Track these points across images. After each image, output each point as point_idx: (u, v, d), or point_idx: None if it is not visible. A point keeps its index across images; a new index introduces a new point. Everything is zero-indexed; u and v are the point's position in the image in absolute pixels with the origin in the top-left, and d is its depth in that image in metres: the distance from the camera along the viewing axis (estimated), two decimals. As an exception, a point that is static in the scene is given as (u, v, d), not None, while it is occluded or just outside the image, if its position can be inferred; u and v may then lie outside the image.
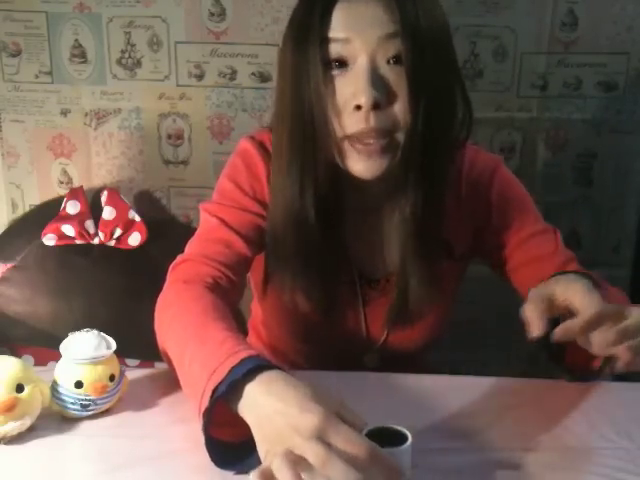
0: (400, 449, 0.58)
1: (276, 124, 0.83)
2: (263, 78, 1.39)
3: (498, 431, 0.72)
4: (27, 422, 0.68)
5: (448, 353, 1.07)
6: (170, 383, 0.80)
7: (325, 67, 0.74)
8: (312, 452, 0.52)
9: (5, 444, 0.67)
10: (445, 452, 0.68)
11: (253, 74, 1.40)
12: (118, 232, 1.34)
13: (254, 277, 0.97)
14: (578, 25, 1.36)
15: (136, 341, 1.26)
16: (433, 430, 0.72)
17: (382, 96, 0.73)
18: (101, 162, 1.47)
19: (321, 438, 0.53)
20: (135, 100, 1.42)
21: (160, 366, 0.84)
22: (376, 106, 0.72)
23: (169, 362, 0.77)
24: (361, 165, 0.77)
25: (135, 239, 1.35)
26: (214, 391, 0.60)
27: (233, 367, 0.60)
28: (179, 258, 0.86)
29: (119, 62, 1.40)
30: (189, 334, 0.71)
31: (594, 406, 0.77)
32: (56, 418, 0.72)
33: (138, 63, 1.40)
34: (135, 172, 1.47)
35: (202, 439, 0.62)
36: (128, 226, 1.35)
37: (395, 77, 0.74)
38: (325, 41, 0.74)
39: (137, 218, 1.36)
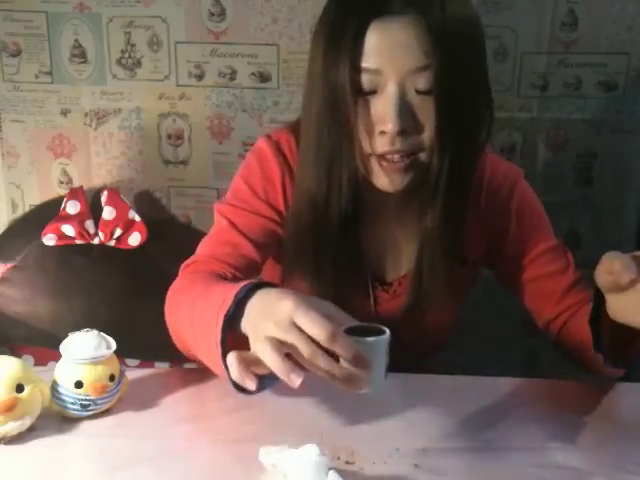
0: (368, 340, 0.58)
1: (304, 129, 0.83)
2: (263, 78, 1.39)
3: (498, 431, 0.72)
4: (27, 422, 0.68)
5: (448, 353, 1.07)
6: (170, 383, 0.80)
7: (354, 90, 0.75)
8: (287, 335, 0.57)
9: (5, 444, 0.67)
10: (445, 452, 0.68)
11: (253, 74, 1.39)
12: (118, 232, 1.34)
13: (266, 277, 0.96)
14: (578, 25, 1.36)
15: (136, 341, 1.26)
16: (433, 430, 0.72)
17: (408, 124, 0.74)
18: (101, 162, 1.47)
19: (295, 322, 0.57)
20: (135, 100, 1.42)
21: (160, 366, 0.84)
22: (402, 133, 0.74)
23: (184, 345, 0.78)
24: (386, 180, 0.79)
25: (135, 239, 1.35)
26: (225, 317, 0.64)
27: (237, 292, 0.65)
28: (190, 259, 0.87)
29: (119, 62, 1.40)
30: (196, 297, 0.73)
31: (594, 406, 0.77)
32: (56, 418, 0.72)
33: (138, 63, 1.40)
34: (135, 172, 1.47)
35: (203, 437, 0.62)
36: (128, 226, 1.35)
37: (423, 106, 0.74)
38: (357, 70, 0.74)
39: (137, 218, 1.36)
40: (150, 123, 1.44)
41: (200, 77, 1.40)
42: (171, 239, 1.41)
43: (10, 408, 0.66)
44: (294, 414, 0.75)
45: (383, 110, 0.74)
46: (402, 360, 0.92)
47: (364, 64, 0.74)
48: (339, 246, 0.84)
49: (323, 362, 0.57)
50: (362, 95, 0.75)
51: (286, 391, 0.81)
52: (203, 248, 0.89)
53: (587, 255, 1.51)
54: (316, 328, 0.56)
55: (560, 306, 0.91)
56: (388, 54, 0.73)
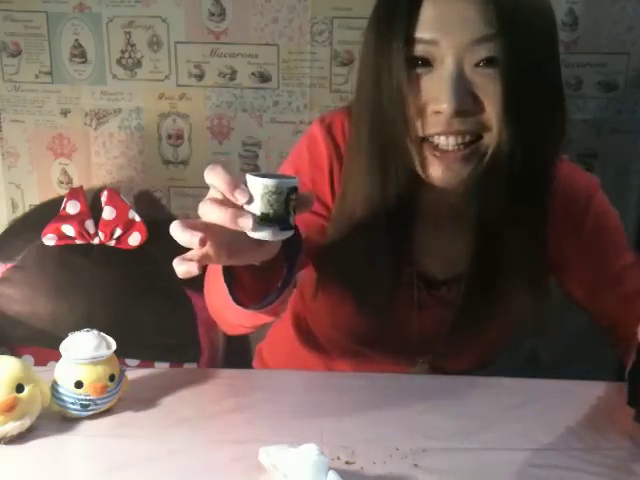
0: (254, 177, 0.56)
1: (355, 117, 0.78)
2: (263, 78, 1.39)
3: (498, 431, 0.72)
4: (27, 422, 0.68)
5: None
6: (170, 383, 0.80)
7: (408, 65, 0.69)
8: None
9: (5, 444, 0.67)
10: (445, 452, 0.68)
11: (253, 74, 1.39)
12: (118, 232, 1.34)
13: (302, 277, 0.94)
14: (578, 25, 1.36)
15: (136, 341, 1.26)
16: (433, 430, 0.72)
17: (467, 103, 0.67)
18: (101, 162, 1.47)
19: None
20: (135, 100, 1.42)
21: (160, 366, 0.84)
22: (459, 113, 0.67)
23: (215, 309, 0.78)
24: (440, 172, 0.71)
25: (135, 239, 1.35)
26: None
27: None
28: None
29: (119, 62, 1.40)
30: None
31: (594, 406, 0.77)
32: (56, 418, 0.71)
33: (138, 63, 1.40)
34: (135, 172, 1.47)
35: (203, 437, 0.62)
36: (128, 226, 1.35)
37: (485, 81, 0.67)
38: (410, 40, 0.68)
39: (137, 218, 1.36)
40: (150, 123, 1.44)
41: (200, 77, 1.40)
42: (171, 239, 1.40)
43: (10, 408, 0.66)
44: (294, 414, 0.75)
45: (438, 87, 0.67)
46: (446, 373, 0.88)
47: (418, 34, 0.67)
48: (387, 240, 0.77)
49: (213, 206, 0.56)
50: (417, 68, 0.69)
51: (286, 391, 0.82)
52: None
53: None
54: (216, 177, 0.57)
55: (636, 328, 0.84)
56: (445, 23, 0.67)
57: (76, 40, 1.39)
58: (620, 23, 1.35)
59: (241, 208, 0.56)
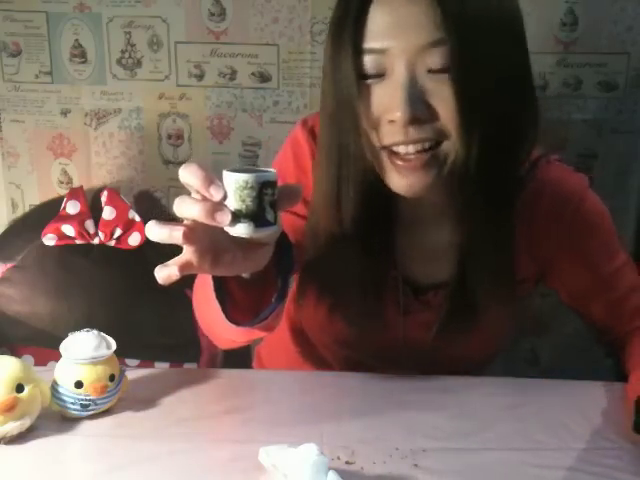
0: (227, 173, 0.55)
1: (320, 127, 0.77)
2: (263, 78, 1.39)
3: (498, 431, 0.72)
4: (27, 422, 0.68)
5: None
6: (170, 383, 0.80)
7: (359, 75, 0.68)
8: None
9: (5, 444, 0.67)
10: (445, 452, 0.68)
11: (253, 74, 1.39)
12: (118, 232, 1.34)
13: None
14: (578, 25, 1.36)
15: (136, 341, 1.26)
16: (433, 430, 0.72)
17: (421, 110, 0.66)
18: (101, 162, 1.47)
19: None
20: (135, 100, 1.42)
21: (160, 366, 0.84)
22: (414, 121, 0.66)
23: (204, 321, 0.78)
24: (402, 182, 0.70)
25: (135, 239, 1.35)
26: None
27: None
28: None
29: (119, 62, 1.40)
30: None
31: (594, 406, 0.77)
32: (56, 418, 0.71)
33: (138, 63, 1.40)
34: (135, 172, 1.47)
35: (203, 437, 0.62)
36: (128, 226, 1.35)
37: (438, 87, 0.66)
38: (360, 51, 0.67)
39: (137, 218, 1.36)
40: (150, 123, 1.44)
41: (200, 77, 1.40)
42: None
43: (10, 408, 0.66)
44: (294, 414, 0.75)
45: (391, 96, 0.66)
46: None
47: (368, 45, 0.66)
48: (369, 247, 0.77)
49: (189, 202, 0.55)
50: (369, 79, 0.68)
51: (286, 392, 0.82)
52: None
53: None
54: (191, 175, 0.55)
55: (630, 325, 0.86)
56: (393, 31, 0.65)
57: (76, 40, 1.39)
58: (620, 23, 1.35)
59: (219, 203, 0.55)
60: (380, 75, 0.68)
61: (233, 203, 0.55)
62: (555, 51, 1.37)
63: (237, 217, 0.55)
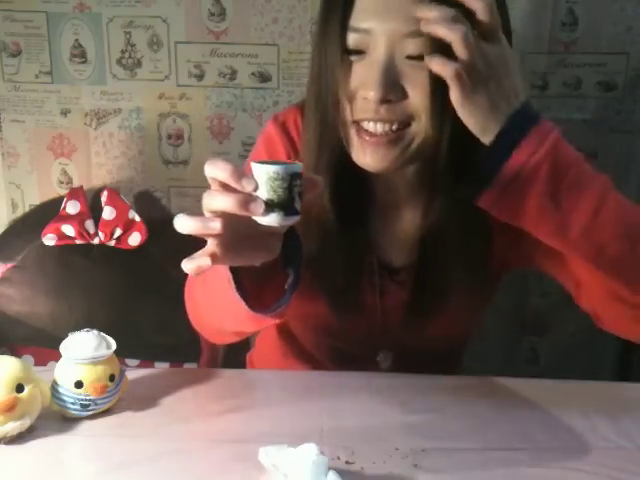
0: (258, 165, 0.57)
1: (305, 107, 0.81)
2: (263, 78, 1.40)
3: (498, 431, 0.72)
4: (27, 422, 0.68)
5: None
6: (170, 383, 0.80)
7: (344, 52, 0.71)
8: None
9: (5, 444, 0.67)
10: (445, 452, 0.68)
11: (253, 74, 1.40)
12: (118, 232, 1.34)
13: None
14: (578, 25, 1.36)
15: (136, 341, 1.26)
16: (433, 430, 0.72)
17: (394, 92, 0.69)
18: (101, 162, 1.47)
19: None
20: (135, 100, 1.42)
21: (160, 366, 0.84)
22: (385, 101, 0.69)
23: (204, 319, 0.80)
24: (367, 157, 0.73)
25: (135, 239, 1.35)
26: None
27: None
28: None
29: (119, 62, 1.40)
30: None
31: (594, 406, 0.77)
32: (56, 418, 0.71)
33: (138, 63, 1.40)
34: (135, 172, 1.47)
35: (203, 437, 0.62)
36: (128, 226, 1.35)
37: (415, 73, 0.69)
38: (346, 29, 0.70)
39: (137, 218, 1.36)
40: (150, 123, 1.44)
41: (200, 77, 1.40)
42: (171, 239, 1.40)
43: (10, 408, 0.66)
44: (294, 414, 0.75)
45: (368, 74, 0.69)
46: (413, 362, 0.88)
47: (353, 23, 0.70)
48: (344, 230, 0.79)
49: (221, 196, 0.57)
50: (351, 55, 0.71)
51: (286, 391, 0.82)
52: None
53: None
54: (218, 169, 0.57)
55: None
56: (379, 14, 0.68)
57: (76, 40, 1.39)
58: (620, 23, 1.35)
59: (251, 195, 0.57)
60: (362, 52, 0.71)
61: (264, 194, 0.57)
62: (555, 51, 1.37)
63: (268, 207, 0.57)
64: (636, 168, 1.44)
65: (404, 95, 0.70)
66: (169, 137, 1.45)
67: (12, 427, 0.66)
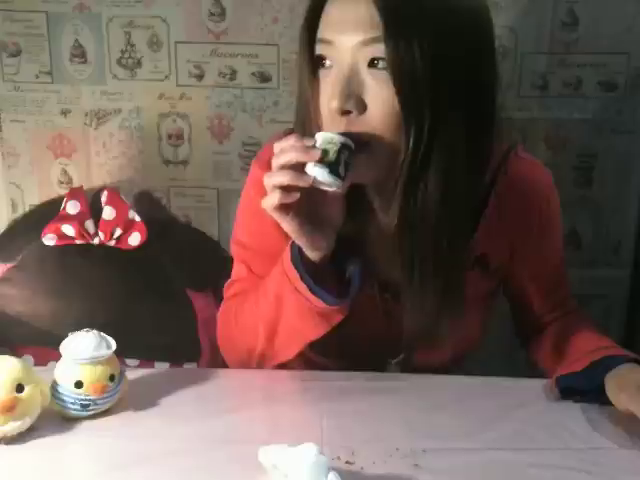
0: (321, 133, 0.70)
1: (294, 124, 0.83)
2: (263, 78, 1.39)
3: (498, 431, 0.72)
4: (27, 422, 0.68)
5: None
6: (170, 383, 0.80)
7: (314, 67, 0.74)
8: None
9: (5, 444, 0.67)
10: (445, 452, 0.68)
11: (253, 74, 1.39)
12: (118, 232, 1.34)
13: None
14: (578, 25, 1.36)
15: (136, 341, 1.26)
16: (433, 430, 0.72)
17: (353, 103, 0.70)
18: (101, 162, 1.47)
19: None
20: (135, 100, 1.42)
21: (160, 366, 0.84)
22: (346, 112, 0.70)
23: (255, 341, 0.83)
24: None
25: (135, 239, 1.35)
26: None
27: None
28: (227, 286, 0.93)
29: (119, 62, 1.40)
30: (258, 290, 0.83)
31: (594, 406, 0.77)
32: (56, 418, 0.72)
33: (138, 63, 1.40)
34: (135, 172, 1.46)
35: (203, 437, 0.62)
36: (128, 226, 1.35)
37: (376, 85, 0.70)
38: (313, 42, 0.73)
39: (137, 218, 1.36)
40: (150, 123, 1.44)
41: (200, 77, 1.40)
42: (171, 239, 1.41)
43: (10, 408, 0.66)
44: (294, 414, 0.75)
45: (332, 85, 0.71)
46: (420, 371, 0.88)
47: (319, 35, 0.72)
48: (341, 254, 0.79)
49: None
50: (320, 70, 0.73)
51: (286, 391, 0.82)
52: (232, 289, 0.91)
53: (587, 255, 1.52)
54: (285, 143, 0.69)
55: (551, 315, 0.94)
56: (340, 25, 0.70)
57: (76, 40, 1.39)
58: (620, 23, 1.35)
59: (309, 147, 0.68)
60: (330, 66, 0.73)
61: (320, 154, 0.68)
62: (555, 51, 1.37)
63: (318, 162, 0.68)
64: (636, 168, 1.44)
65: (364, 107, 0.70)
66: (169, 137, 1.45)
67: (12, 427, 0.66)
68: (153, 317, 1.32)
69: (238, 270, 0.91)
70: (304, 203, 0.71)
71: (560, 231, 0.94)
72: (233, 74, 1.40)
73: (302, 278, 0.74)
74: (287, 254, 0.76)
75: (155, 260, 1.33)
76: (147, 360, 1.28)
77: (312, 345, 0.85)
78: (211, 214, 1.47)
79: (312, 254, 0.75)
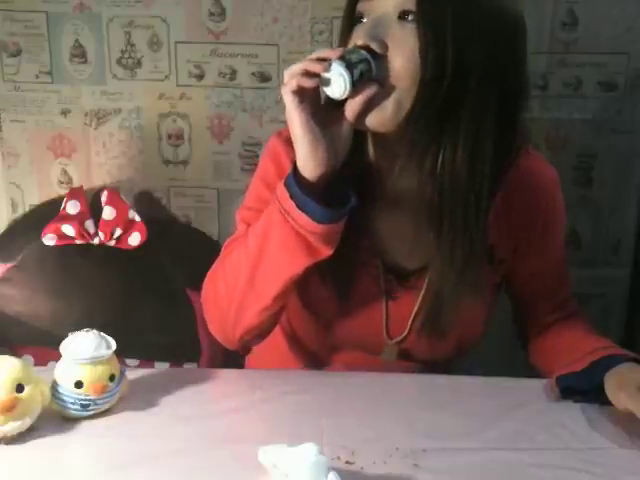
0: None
1: None
2: (263, 78, 1.40)
3: (498, 431, 0.72)
4: (27, 422, 0.68)
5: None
6: (170, 383, 0.80)
7: (352, 24, 0.76)
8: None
9: (5, 444, 0.67)
10: (445, 452, 0.68)
11: (253, 74, 1.40)
12: (118, 232, 1.34)
13: None
14: (578, 25, 1.36)
15: (136, 341, 1.26)
16: (433, 430, 0.72)
17: (378, 44, 0.72)
18: (101, 162, 1.47)
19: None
20: (135, 100, 1.42)
21: (160, 366, 0.84)
22: (368, 50, 0.72)
23: (243, 283, 0.80)
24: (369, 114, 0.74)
25: (135, 239, 1.35)
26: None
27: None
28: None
29: (119, 62, 1.40)
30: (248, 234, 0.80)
31: (594, 406, 0.77)
32: (56, 418, 0.71)
33: (138, 63, 1.40)
34: (135, 172, 1.47)
35: (203, 437, 0.62)
36: (128, 226, 1.35)
37: (402, 32, 0.72)
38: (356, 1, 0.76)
39: (137, 218, 1.36)
40: (150, 123, 1.44)
41: (200, 77, 1.40)
42: (171, 239, 1.41)
43: (10, 408, 0.66)
44: (294, 414, 0.75)
45: (361, 29, 0.74)
46: (415, 361, 0.90)
47: None
48: (348, 234, 0.78)
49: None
50: (356, 27, 0.76)
51: (286, 391, 0.82)
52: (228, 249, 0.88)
53: (587, 255, 1.52)
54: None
55: (552, 316, 0.95)
56: None
57: (76, 40, 1.39)
58: (620, 23, 1.35)
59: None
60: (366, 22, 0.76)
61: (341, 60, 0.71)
62: (555, 51, 1.37)
63: (338, 59, 0.70)
64: (636, 168, 1.44)
65: (386, 49, 0.72)
66: (169, 137, 1.45)
67: (12, 427, 0.66)
68: (153, 317, 1.32)
69: (239, 229, 0.88)
70: (318, 102, 0.73)
71: (563, 230, 0.94)
72: (233, 74, 1.40)
73: (291, 197, 0.72)
74: (281, 181, 0.75)
75: (155, 260, 1.33)
76: (147, 360, 1.28)
77: (311, 320, 0.88)
78: (211, 214, 1.47)
79: (310, 165, 0.72)
